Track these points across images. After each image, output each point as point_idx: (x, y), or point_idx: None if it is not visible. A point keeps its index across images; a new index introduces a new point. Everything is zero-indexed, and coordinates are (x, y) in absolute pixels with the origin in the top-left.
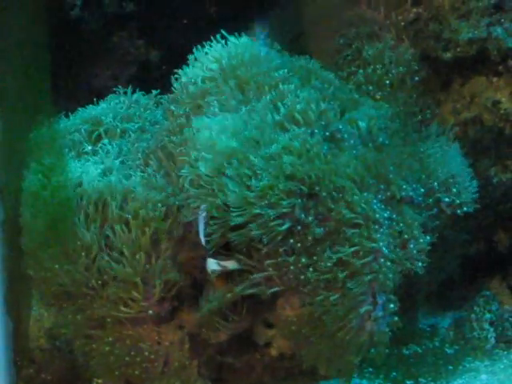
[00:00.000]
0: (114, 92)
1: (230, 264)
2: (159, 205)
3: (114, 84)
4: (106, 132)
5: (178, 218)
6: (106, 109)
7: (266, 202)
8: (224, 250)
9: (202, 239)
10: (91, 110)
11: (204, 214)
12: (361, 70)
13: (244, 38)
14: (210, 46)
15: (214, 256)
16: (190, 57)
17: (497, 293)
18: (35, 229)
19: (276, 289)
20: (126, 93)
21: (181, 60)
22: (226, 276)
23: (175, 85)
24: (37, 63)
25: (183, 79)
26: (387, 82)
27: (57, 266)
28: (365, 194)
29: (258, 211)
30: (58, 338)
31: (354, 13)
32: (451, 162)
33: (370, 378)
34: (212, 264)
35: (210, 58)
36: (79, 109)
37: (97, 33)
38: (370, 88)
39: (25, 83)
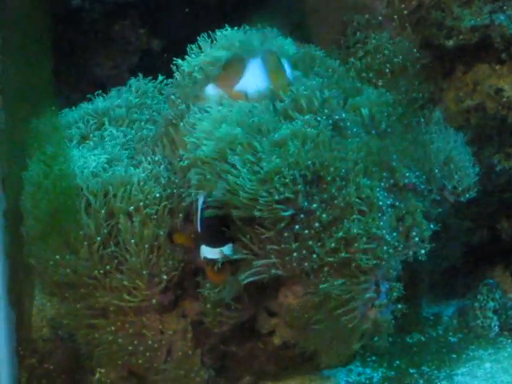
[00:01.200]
0: (116, 81)
1: (225, 250)
2: (161, 194)
3: (115, 73)
4: (114, 122)
5: (179, 206)
6: (115, 98)
7: (270, 185)
8: (222, 238)
9: (198, 226)
10: (100, 100)
11: (201, 201)
12: (363, 58)
13: (246, 28)
14: (212, 34)
15: (207, 243)
16: (191, 46)
17: (500, 281)
18: (37, 218)
19: (277, 272)
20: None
21: (182, 49)
22: (222, 265)
23: (176, 73)
24: (39, 53)
25: (184, 67)
26: (388, 69)
27: (63, 255)
28: (368, 182)
29: (263, 194)
30: (60, 327)
31: (357, 0)
32: (453, 149)
33: (373, 366)
34: (205, 251)
35: (212, 46)
36: (92, 97)
37: (98, 22)
38: (372, 76)
39: (27, 73)
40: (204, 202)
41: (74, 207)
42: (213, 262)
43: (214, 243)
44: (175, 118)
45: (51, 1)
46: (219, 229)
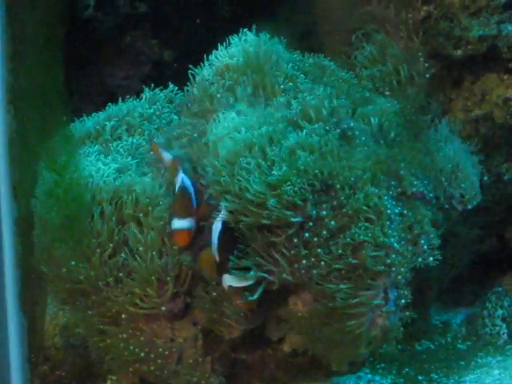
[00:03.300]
0: (128, 91)
1: (248, 279)
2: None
3: (127, 84)
4: (125, 130)
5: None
6: (127, 108)
7: (280, 192)
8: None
9: (215, 253)
10: (113, 109)
11: (219, 225)
12: (370, 68)
13: (260, 36)
14: (225, 44)
15: (229, 271)
16: (205, 55)
17: (509, 289)
18: (49, 225)
19: (287, 277)
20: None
21: (194, 59)
22: (244, 289)
23: (192, 81)
24: (51, 63)
25: (199, 77)
26: (396, 79)
27: (72, 263)
28: (376, 190)
29: (272, 200)
30: (72, 335)
31: (364, 11)
32: (460, 157)
33: (382, 373)
34: (228, 280)
35: (226, 56)
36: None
37: (110, 33)
38: (379, 85)
39: (39, 82)
40: (223, 227)
41: (85, 215)
42: (239, 289)
43: (239, 270)
44: (189, 125)
45: (64, 11)
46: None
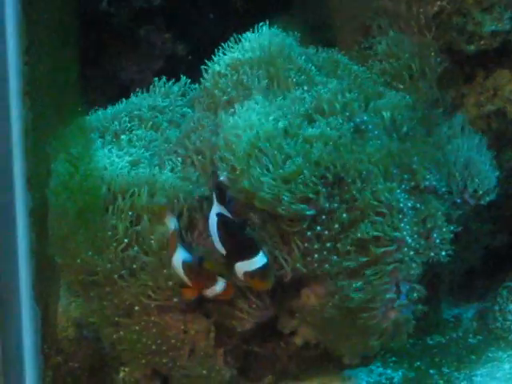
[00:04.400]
0: (141, 85)
1: (261, 256)
2: (185, 194)
3: (141, 77)
4: (139, 123)
5: (203, 207)
6: (141, 100)
7: (293, 185)
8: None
9: (219, 246)
10: (127, 101)
11: (214, 217)
12: (383, 62)
13: (273, 30)
14: (239, 38)
15: (244, 258)
16: (220, 49)
17: None
18: (63, 217)
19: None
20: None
21: (207, 53)
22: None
23: (204, 75)
24: (66, 55)
25: (212, 70)
26: (408, 73)
27: (89, 254)
28: (389, 184)
29: (285, 192)
30: (85, 327)
31: (377, 5)
32: (473, 152)
33: (394, 367)
34: (242, 267)
35: (240, 49)
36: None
37: (124, 26)
38: (392, 79)
39: (54, 75)
40: (219, 216)
41: (99, 207)
42: (256, 272)
43: (251, 254)
44: (203, 119)
45: (78, 4)
46: (246, 237)
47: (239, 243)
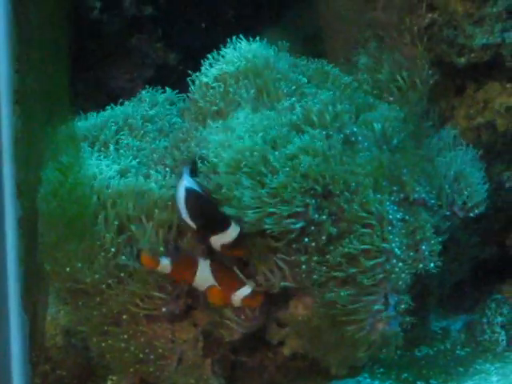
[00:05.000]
0: (132, 94)
1: (234, 228)
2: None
3: (131, 86)
4: (129, 132)
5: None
6: (129, 109)
7: (280, 199)
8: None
9: (188, 221)
10: (115, 110)
11: (182, 191)
12: (374, 74)
13: (261, 42)
14: (228, 48)
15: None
16: (208, 59)
17: (508, 296)
18: (52, 225)
19: (288, 284)
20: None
21: (198, 63)
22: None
23: (192, 86)
24: (56, 64)
25: (200, 81)
26: (399, 85)
27: (78, 264)
28: (378, 195)
29: (272, 209)
30: (73, 335)
31: (369, 16)
32: (463, 164)
33: (381, 378)
34: (219, 239)
35: (228, 60)
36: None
37: (116, 35)
38: (382, 91)
39: (44, 83)
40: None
41: (89, 215)
42: (233, 243)
43: (224, 226)
44: (190, 130)
45: (70, 13)
46: (216, 210)
47: (211, 217)
